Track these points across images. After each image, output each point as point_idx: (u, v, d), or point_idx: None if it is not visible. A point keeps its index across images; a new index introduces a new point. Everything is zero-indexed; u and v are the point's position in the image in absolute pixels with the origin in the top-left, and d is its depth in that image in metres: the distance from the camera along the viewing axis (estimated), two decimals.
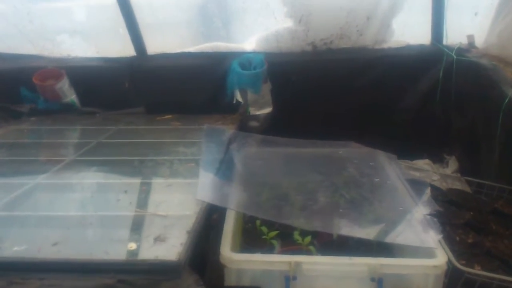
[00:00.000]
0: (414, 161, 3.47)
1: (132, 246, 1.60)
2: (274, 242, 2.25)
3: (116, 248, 1.66)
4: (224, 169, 2.34)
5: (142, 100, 3.60)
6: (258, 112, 3.43)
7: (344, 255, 2.13)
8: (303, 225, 2.07)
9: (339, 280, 1.91)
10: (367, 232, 2.06)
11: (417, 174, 3.32)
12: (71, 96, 3.52)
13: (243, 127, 3.33)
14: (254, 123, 3.43)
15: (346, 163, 2.76)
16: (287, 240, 2.42)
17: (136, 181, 2.26)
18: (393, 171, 2.66)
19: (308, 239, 2.17)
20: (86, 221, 1.88)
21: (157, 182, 2.24)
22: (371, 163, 2.79)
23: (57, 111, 3.53)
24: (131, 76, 3.57)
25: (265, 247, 2.28)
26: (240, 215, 2.20)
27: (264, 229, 2.28)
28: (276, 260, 1.90)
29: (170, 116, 3.47)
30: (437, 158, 3.55)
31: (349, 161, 2.80)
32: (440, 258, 1.90)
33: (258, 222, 2.37)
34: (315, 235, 2.29)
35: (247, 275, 1.91)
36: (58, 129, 3.19)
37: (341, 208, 2.25)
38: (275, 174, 2.56)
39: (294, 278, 1.88)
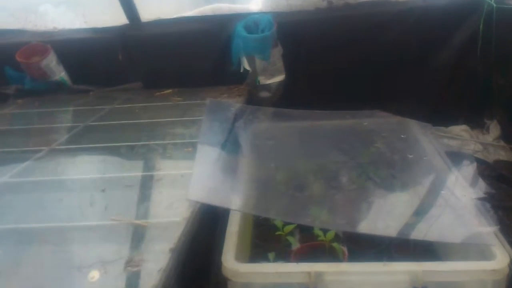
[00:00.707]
0: (449, 128, 3.05)
1: (94, 276, 1.22)
2: (291, 239, 1.88)
3: (72, 280, 1.28)
4: (227, 156, 1.96)
5: (138, 74, 3.22)
6: (268, 81, 3.02)
7: (375, 255, 1.78)
8: (325, 224, 1.69)
9: None
10: (404, 229, 1.66)
11: (452, 143, 2.91)
12: (60, 74, 3.16)
13: (252, 99, 2.95)
14: (264, 94, 3.04)
15: (372, 137, 2.36)
16: (307, 234, 2.07)
17: (119, 175, 1.88)
18: (429, 144, 2.25)
19: (331, 234, 1.80)
20: (44, 237, 1.51)
21: (145, 175, 1.87)
22: (402, 136, 2.38)
23: (46, 91, 3.18)
24: (124, 47, 3.18)
25: (281, 243, 1.92)
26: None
27: (278, 223, 1.92)
28: (291, 271, 1.53)
29: (170, 90, 3.11)
30: (476, 123, 3.11)
31: (376, 134, 2.39)
32: (500, 259, 1.50)
33: (272, 213, 2.01)
34: None
35: None
36: (44, 112, 2.85)
37: (369, 196, 1.85)
38: (289, 155, 2.18)
39: None
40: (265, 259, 1.73)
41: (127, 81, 3.21)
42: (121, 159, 2.04)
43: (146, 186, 1.77)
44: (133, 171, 1.93)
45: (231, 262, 1.55)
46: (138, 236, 1.43)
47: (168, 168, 1.90)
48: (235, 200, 1.71)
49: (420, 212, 1.75)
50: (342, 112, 2.56)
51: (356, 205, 1.79)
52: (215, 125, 2.20)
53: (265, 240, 2.00)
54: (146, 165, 1.95)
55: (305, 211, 1.84)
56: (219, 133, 2.11)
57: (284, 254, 1.86)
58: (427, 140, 2.29)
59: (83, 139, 2.29)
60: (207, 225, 1.64)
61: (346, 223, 1.69)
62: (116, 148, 2.11)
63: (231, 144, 2.07)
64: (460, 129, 3.07)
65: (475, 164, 2.13)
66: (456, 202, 1.79)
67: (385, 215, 1.73)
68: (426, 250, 1.75)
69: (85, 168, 2.01)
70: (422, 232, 1.63)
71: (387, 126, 2.49)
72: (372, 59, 3.08)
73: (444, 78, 3.17)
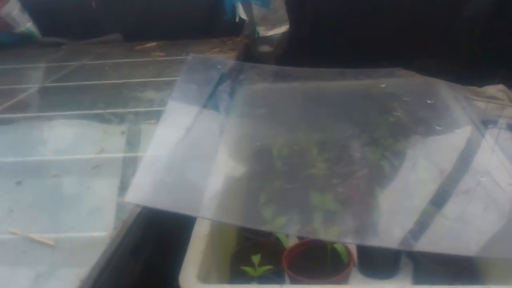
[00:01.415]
0: (483, 88, 2.58)
1: None
2: (282, 237, 1.47)
3: None
4: (200, 132, 1.50)
5: (117, 24, 2.81)
6: (269, 33, 2.59)
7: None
8: (328, 236, 1.25)
9: None
10: (430, 237, 1.22)
11: (486, 107, 2.45)
12: (26, 24, 2.77)
13: (250, 54, 2.50)
14: (264, 48, 2.62)
15: (392, 103, 1.89)
16: (305, 226, 1.66)
17: (47, 158, 1.45)
18: (463, 112, 1.79)
19: (334, 230, 1.38)
20: None
21: (79, 159, 1.43)
22: (428, 101, 1.91)
23: (13, 44, 2.80)
24: None
25: (271, 236, 1.52)
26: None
27: (268, 213, 1.50)
28: None
29: (154, 43, 2.69)
30: None
31: (397, 99, 1.92)
32: None
33: (262, 197, 1.60)
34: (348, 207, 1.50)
35: None
36: (1, 69, 2.43)
37: (386, 186, 1.41)
38: (285, 129, 1.72)
39: None
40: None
41: (105, 32, 2.80)
42: (60, 135, 1.61)
43: (75, 176, 1.34)
44: (66, 153, 1.50)
45: (192, 282, 1.15)
46: (38, 260, 1.00)
47: (113, 149, 1.45)
48: (204, 202, 1.26)
49: (452, 209, 1.31)
50: (355, 70, 2.09)
51: (368, 201, 1.34)
52: (192, 88, 1.74)
53: (256, 233, 1.60)
54: (85, 145, 1.51)
55: (303, 199, 1.41)
56: (194, 100, 1.65)
57: (275, 254, 1.46)
58: (459, 107, 1.83)
59: (28, 106, 1.90)
60: (159, 236, 1.23)
61: (354, 232, 1.24)
62: (61, 118, 1.68)
63: (208, 115, 1.61)
64: (495, 89, 2.58)
65: None
66: (501, 194, 1.34)
67: (402, 215, 1.29)
68: (461, 267, 1.32)
69: (8, 148, 1.58)
70: (457, 241, 1.19)
71: (410, 89, 2.02)
72: (392, 8, 2.63)
73: (479, 28, 2.71)
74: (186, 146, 1.37)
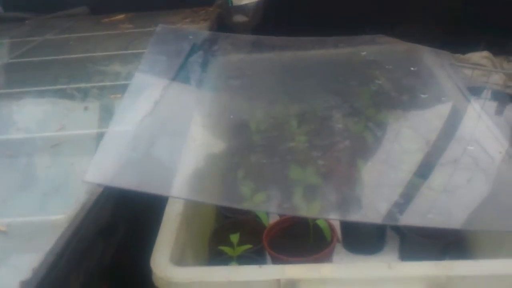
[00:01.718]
0: (468, 55, 2.49)
1: None
2: (262, 215, 1.39)
3: None
4: (168, 105, 1.39)
5: None
6: (244, 1, 2.45)
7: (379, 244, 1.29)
8: (310, 212, 1.17)
9: None
10: (416, 209, 1.14)
11: (470, 73, 2.37)
12: None
13: (224, 25, 2.37)
14: (239, 18, 2.46)
15: (374, 71, 1.80)
16: (285, 203, 1.58)
17: (3, 137, 1.32)
18: (448, 79, 1.71)
19: (315, 206, 1.30)
20: None
21: (38, 138, 1.31)
22: (412, 68, 1.83)
23: None
24: None
25: (251, 215, 1.43)
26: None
27: (246, 189, 1.42)
28: (251, 279, 1.03)
29: (122, 16, 2.52)
30: (501, 49, 2.54)
31: (379, 67, 1.83)
32: None
33: (239, 174, 1.51)
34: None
35: None
36: None
37: (369, 158, 1.33)
38: (262, 100, 1.62)
39: None
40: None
41: (71, 5, 2.63)
42: (16, 114, 1.48)
43: (30, 156, 1.22)
44: (23, 131, 1.37)
45: (164, 265, 1.06)
46: None
47: (75, 126, 1.33)
48: (174, 181, 1.16)
49: (439, 180, 1.23)
50: (335, 38, 1.98)
51: (350, 174, 1.25)
52: (161, 60, 1.62)
53: (234, 211, 1.51)
54: (44, 122, 1.39)
55: (282, 174, 1.32)
56: (163, 72, 1.53)
57: (255, 233, 1.38)
58: (445, 74, 1.75)
59: None
60: (132, 217, 1.13)
61: (336, 209, 1.16)
62: (20, 95, 1.55)
63: (178, 88, 1.50)
64: (480, 56, 2.51)
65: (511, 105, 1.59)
66: (490, 163, 1.27)
67: (387, 188, 1.21)
68: (449, 241, 1.25)
69: None
70: (444, 214, 1.11)
71: (392, 56, 1.94)
72: None
73: None
74: (154, 121, 1.27)
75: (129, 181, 1.02)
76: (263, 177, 1.28)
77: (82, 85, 1.57)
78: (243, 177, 1.34)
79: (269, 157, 1.33)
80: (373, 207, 1.13)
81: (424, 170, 1.26)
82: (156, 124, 1.25)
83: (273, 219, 1.45)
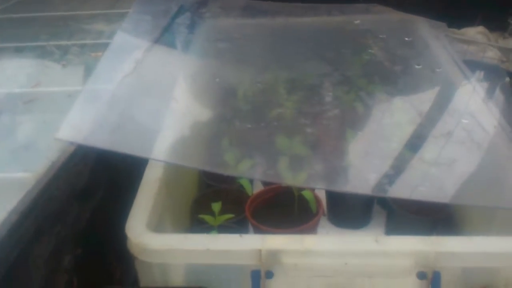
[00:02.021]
0: (463, 29, 2.43)
1: None
2: (246, 184, 1.34)
3: None
4: (151, 66, 1.31)
5: None
6: None
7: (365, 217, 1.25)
8: (296, 181, 1.11)
9: (355, 278, 1.00)
10: (407, 182, 1.09)
11: (465, 48, 2.31)
12: None
13: None
14: None
15: (367, 40, 1.74)
16: (270, 170, 1.53)
17: None
18: (443, 51, 1.66)
19: (301, 175, 1.25)
20: None
21: (11, 94, 1.23)
22: (406, 38, 1.76)
23: None
24: None
25: (234, 185, 1.37)
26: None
27: (230, 157, 1.36)
28: (231, 249, 0.99)
29: None
30: (496, 25, 2.47)
31: (372, 36, 1.77)
32: None
33: (224, 140, 1.45)
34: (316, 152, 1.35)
35: (180, 272, 1.03)
36: None
37: (359, 128, 1.27)
38: (250, 65, 1.55)
39: (270, 275, 0.99)
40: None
41: None
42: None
43: (2, 112, 1.15)
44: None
45: (140, 231, 1.01)
46: None
47: (51, 83, 1.26)
48: (155, 143, 1.10)
49: (431, 153, 1.18)
50: (328, 5, 1.91)
51: (339, 144, 1.20)
52: (146, 19, 1.54)
53: (219, 180, 1.46)
54: (19, 78, 1.32)
55: (269, 142, 1.26)
56: (148, 32, 1.45)
57: (239, 201, 1.33)
58: (440, 45, 1.69)
59: None
60: (111, 181, 1.07)
61: (325, 178, 1.11)
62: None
63: (163, 49, 1.42)
64: (475, 31, 2.44)
65: (507, 79, 1.53)
66: (484, 136, 1.22)
67: (377, 159, 1.15)
68: (437, 219, 1.21)
69: None
70: (436, 188, 1.07)
71: (386, 26, 1.87)
72: None
73: None
74: (135, 81, 1.20)
75: (106, 141, 0.96)
76: (248, 144, 1.22)
77: (63, 42, 1.49)
78: (228, 143, 1.28)
79: (256, 123, 1.27)
80: (362, 177, 1.08)
81: (416, 142, 1.21)
82: (137, 84, 1.18)
83: (257, 189, 1.40)
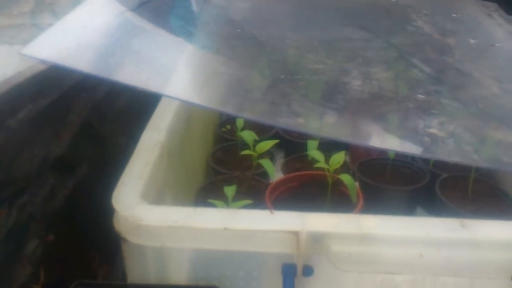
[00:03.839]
0: None
1: None
2: (266, 163, 1.07)
3: None
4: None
5: None
6: None
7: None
8: (330, 132, 0.83)
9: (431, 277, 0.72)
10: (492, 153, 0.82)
11: None
12: None
13: None
14: None
15: (409, 14, 1.48)
16: (296, 158, 1.28)
17: None
18: (499, 28, 1.41)
19: (339, 158, 1.00)
20: None
21: None
22: (454, 15, 1.52)
23: None
24: None
25: (251, 171, 1.11)
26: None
27: (248, 135, 1.11)
28: (258, 228, 0.71)
29: None
30: None
31: (414, 12, 1.51)
32: None
33: (239, 122, 1.21)
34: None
35: (184, 263, 0.75)
36: None
37: (419, 92, 1.00)
38: (275, 25, 1.29)
39: (308, 271, 0.71)
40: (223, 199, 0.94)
41: None
42: None
43: None
44: None
45: (131, 202, 0.73)
46: None
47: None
48: (166, 77, 0.82)
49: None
50: None
51: (388, 99, 0.93)
52: None
53: (228, 165, 1.19)
54: None
55: (300, 108, 0.98)
56: None
57: (254, 191, 1.07)
58: (494, 23, 1.44)
59: None
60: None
61: (366, 132, 0.83)
62: None
63: None
64: None
65: None
66: None
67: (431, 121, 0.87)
68: None
69: None
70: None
71: (428, 2, 1.62)
72: None
73: None
74: (147, 12, 0.92)
75: (96, 66, 0.67)
76: (276, 93, 0.93)
77: None
78: (242, 125, 1.03)
79: (287, 74, 0.99)
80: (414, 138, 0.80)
81: (490, 111, 0.94)
82: (150, 16, 0.90)
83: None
